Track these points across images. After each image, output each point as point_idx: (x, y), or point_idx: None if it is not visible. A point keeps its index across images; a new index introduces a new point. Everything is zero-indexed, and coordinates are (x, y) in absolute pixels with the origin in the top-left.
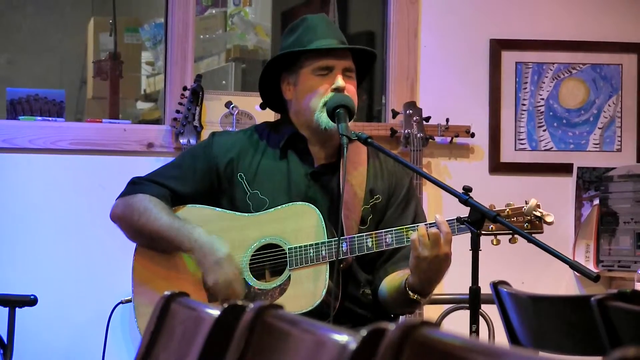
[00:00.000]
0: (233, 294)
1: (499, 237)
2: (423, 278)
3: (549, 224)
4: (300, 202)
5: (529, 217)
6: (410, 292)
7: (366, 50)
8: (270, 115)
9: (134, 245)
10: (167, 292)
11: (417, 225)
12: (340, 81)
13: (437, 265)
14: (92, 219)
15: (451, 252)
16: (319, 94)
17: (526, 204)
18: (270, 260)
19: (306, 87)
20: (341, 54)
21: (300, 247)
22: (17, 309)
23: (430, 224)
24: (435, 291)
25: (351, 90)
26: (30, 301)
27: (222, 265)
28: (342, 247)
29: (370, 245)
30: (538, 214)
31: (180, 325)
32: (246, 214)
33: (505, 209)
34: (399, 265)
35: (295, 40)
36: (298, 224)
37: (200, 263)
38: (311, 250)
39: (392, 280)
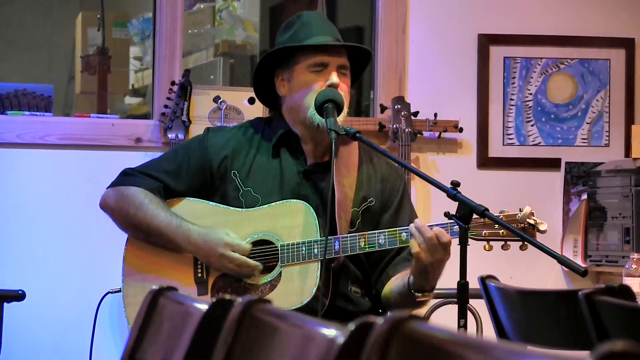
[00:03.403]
0: (250, 270)
1: (491, 243)
2: (428, 276)
3: (542, 232)
4: (294, 200)
5: (522, 225)
6: (416, 294)
7: (361, 47)
8: (259, 110)
9: (122, 238)
10: (154, 287)
11: (409, 228)
12: (334, 78)
13: (438, 264)
14: (80, 214)
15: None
16: (314, 91)
17: (520, 211)
18: (262, 256)
19: (300, 83)
20: (336, 51)
21: (292, 244)
22: (5, 304)
23: (430, 225)
24: None
25: (344, 88)
26: (18, 296)
27: (225, 255)
28: (334, 246)
29: (362, 246)
30: (532, 221)
31: (168, 320)
32: (240, 209)
33: (499, 216)
34: (399, 268)
35: (290, 36)
36: (291, 221)
37: (206, 261)
38: (303, 248)
39: (394, 285)
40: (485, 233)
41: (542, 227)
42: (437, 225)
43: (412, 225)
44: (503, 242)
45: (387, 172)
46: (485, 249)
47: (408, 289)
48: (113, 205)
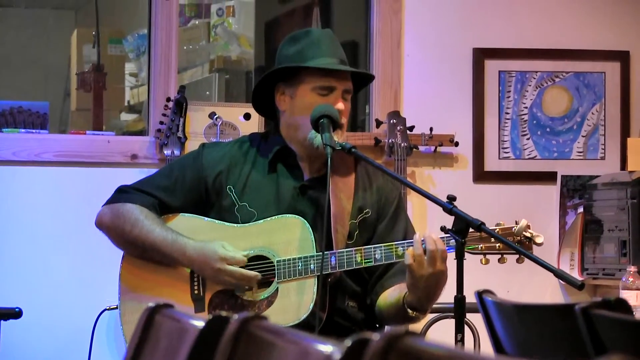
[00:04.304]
0: (249, 282)
1: (487, 256)
2: (421, 295)
3: (539, 244)
4: (290, 215)
5: (519, 238)
6: (409, 310)
7: (368, 74)
8: (254, 126)
9: (118, 254)
10: (151, 304)
11: (407, 243)
12: (341, 105)
13: (434, 281)
14: (76, 231)
15: (447, 270)
16: None
17: (516, 224)
18: (259, 272)
19: (304, 104)
20: (343, 74)
21: (288, 259)
22: (2, 321)
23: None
24: None
25: (346, 113)
26: (15, 313)
27: (223, 269)
28: (330, 261)
29: (358, 261)
30: (528, 234)
31: (164, 337)
32: (236, 225)
33: (495, 229)
34: (394, 280)
35: (297, 52)
36: (287, 236)
37: (203, 275)
38: (300, 264)
39: (389, 296)
40: (481, 247)
41: (538, 240)
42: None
43: (417, 234)
44: (500, 256)
45: (382, 182)
46: (481, 263)
47: (402, 303)
48: (109, 223)
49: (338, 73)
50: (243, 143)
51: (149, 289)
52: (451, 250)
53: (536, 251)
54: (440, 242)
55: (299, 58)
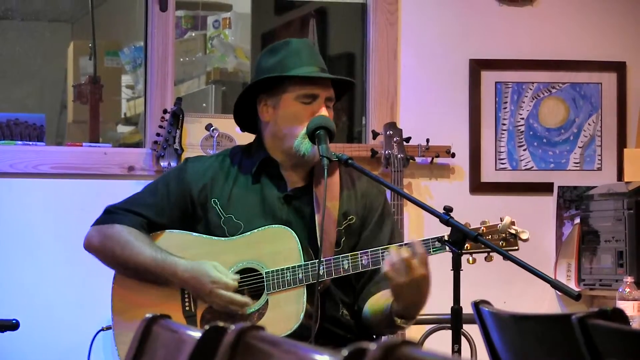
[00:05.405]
0: (238, 308)
1: (474, 255)
2: (407, 303)
3: (524, 240)
4: (276, 225)
5: (504, 235)
6: (396, 319)
7: (349, 80)
8: (251, 138)
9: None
10: (148, 315)
11: (390, 247)
12: (324, 112)
13: (416, 288)
14: (73, 242)
15: (429, 273)
16: (302, 123)
17: (501, 221)
18: (248, 284)
19: (289, 114)
20: (325, 82)
21: (277, 270)
22: None
23: (405, 244)
24: None
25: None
26: (12, 325)
27: (214, 293)
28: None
29: (346, 267)
30: (513, 231)
31: (162, 348)
32: (223, 239)
33: (480, 227)
34: (381, 285)
35: (277, 62)
36: (275, 247)
37: (195, 295)
38: (288, 274)
39: (376, 303)
40: (467, 246)
41: (523, 236)
42: (418, 240)
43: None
44: (486, 254)
45: (367, 188)
46: (468, 262)
47: (389, 312)
48: (98, 245)
49: (320, 81)
50: (225, 158)
51: (140, 309)
52: (438, 251)
53: (533, 261)
54: (419, 246)
55: (280, 68)
